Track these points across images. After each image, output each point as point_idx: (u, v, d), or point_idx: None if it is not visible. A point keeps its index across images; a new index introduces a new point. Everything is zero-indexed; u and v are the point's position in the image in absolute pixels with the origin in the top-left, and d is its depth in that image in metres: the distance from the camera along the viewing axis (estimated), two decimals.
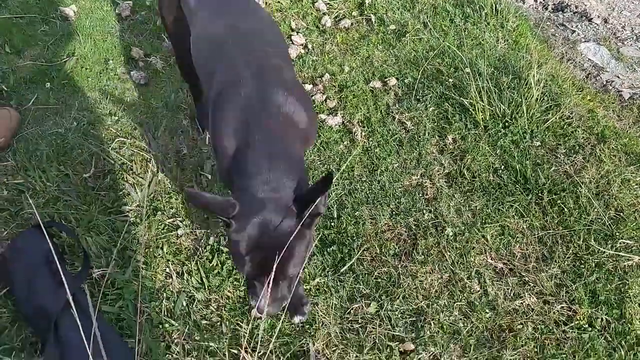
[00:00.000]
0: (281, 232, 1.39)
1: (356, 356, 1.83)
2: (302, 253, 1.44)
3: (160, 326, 1.91)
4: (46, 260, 1.86)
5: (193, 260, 2.06)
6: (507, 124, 2.42)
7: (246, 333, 1.86)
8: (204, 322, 1.92)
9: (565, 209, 2.14)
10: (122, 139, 2.44)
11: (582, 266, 2.00)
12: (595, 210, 2.13)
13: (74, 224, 2.14)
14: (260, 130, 1.51)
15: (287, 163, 1.49)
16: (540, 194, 2.20)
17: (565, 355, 1.81)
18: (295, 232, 1.39)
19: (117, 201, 2.23)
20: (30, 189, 2.24)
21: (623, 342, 1.83)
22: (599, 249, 2.03)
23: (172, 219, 2.18)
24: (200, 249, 2.10)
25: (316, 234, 2.09)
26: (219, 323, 1.92)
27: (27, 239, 1.94)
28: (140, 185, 2.26)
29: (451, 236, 2.09)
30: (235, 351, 1.84)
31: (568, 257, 2.03)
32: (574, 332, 1.86)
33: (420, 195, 2.22)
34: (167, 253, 2.09)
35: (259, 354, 1.79)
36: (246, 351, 1.79)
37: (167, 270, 2.05)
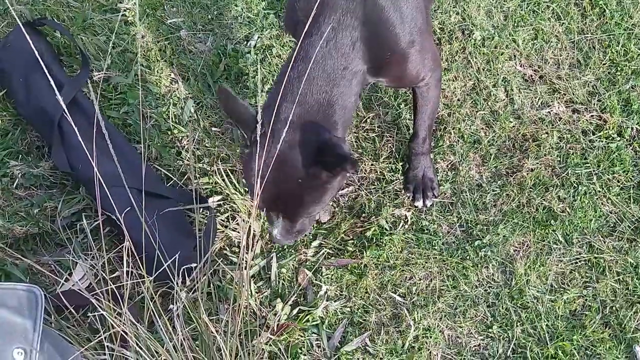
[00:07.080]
0: (296, 176, 1.28)
1: (372, 164, 1.79)
2: (318, 201, 1.34)
3: (169, 132, 1.83)
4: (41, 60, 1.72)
5: (199, 64, 1.92)
6: None
7: None
8: (214, 129, 1.84)
9: (607, 11, 1.94)
10: None
11: (618, 73, 1.87)
12: (639, 12, 1.94)
13: (67, 23, 1.96)
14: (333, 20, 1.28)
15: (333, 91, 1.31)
16: None
17: (589, 165, 1.75)
18: (311, 180, 1.29)
19: None
20: None
21: None
22: (639, 54, 1.87)
23: (173, 19, 2.00)
24: (206, 51, 1.95)
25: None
26: (229, 130, 1.84)
27: (18, 36, 1.78)
28: None
29: (479, 40, 1.93)
30: None
31: (604, 64, 1.88)
32: (602, 141, 1.78)
33: None
34: (170, 56, 1.95)
35: None
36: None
37: (172, 75, 1.93)
